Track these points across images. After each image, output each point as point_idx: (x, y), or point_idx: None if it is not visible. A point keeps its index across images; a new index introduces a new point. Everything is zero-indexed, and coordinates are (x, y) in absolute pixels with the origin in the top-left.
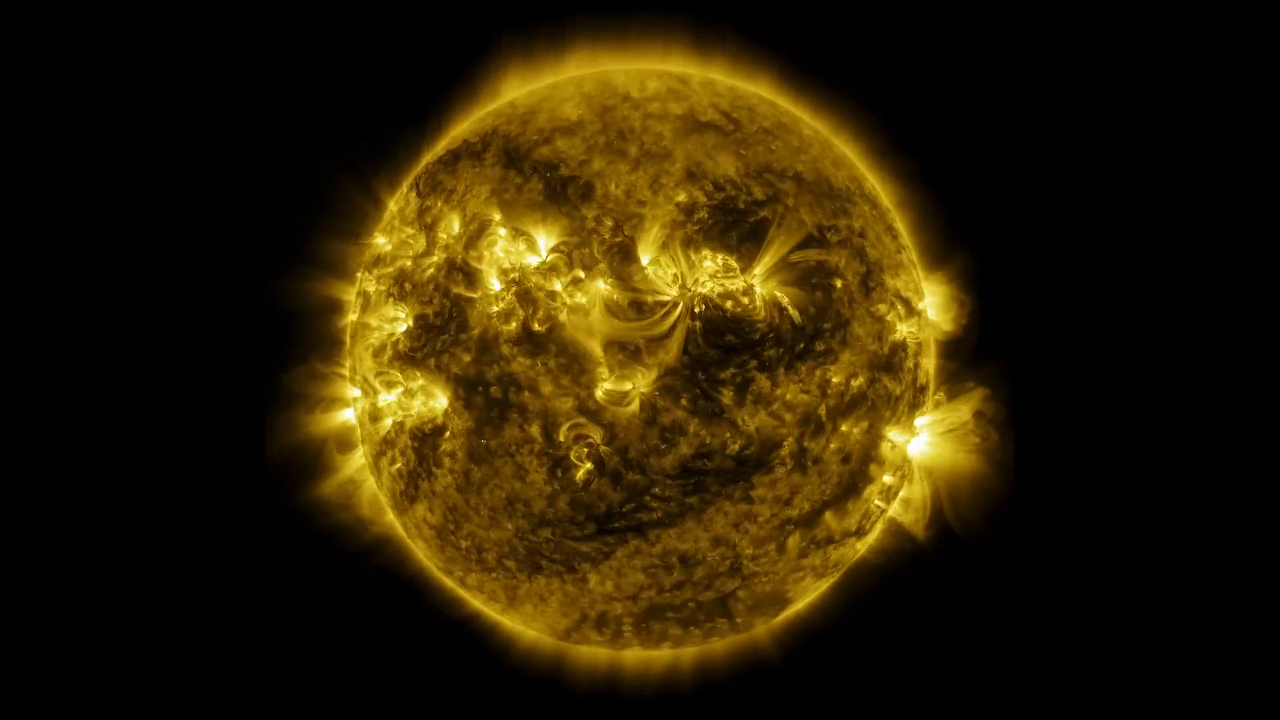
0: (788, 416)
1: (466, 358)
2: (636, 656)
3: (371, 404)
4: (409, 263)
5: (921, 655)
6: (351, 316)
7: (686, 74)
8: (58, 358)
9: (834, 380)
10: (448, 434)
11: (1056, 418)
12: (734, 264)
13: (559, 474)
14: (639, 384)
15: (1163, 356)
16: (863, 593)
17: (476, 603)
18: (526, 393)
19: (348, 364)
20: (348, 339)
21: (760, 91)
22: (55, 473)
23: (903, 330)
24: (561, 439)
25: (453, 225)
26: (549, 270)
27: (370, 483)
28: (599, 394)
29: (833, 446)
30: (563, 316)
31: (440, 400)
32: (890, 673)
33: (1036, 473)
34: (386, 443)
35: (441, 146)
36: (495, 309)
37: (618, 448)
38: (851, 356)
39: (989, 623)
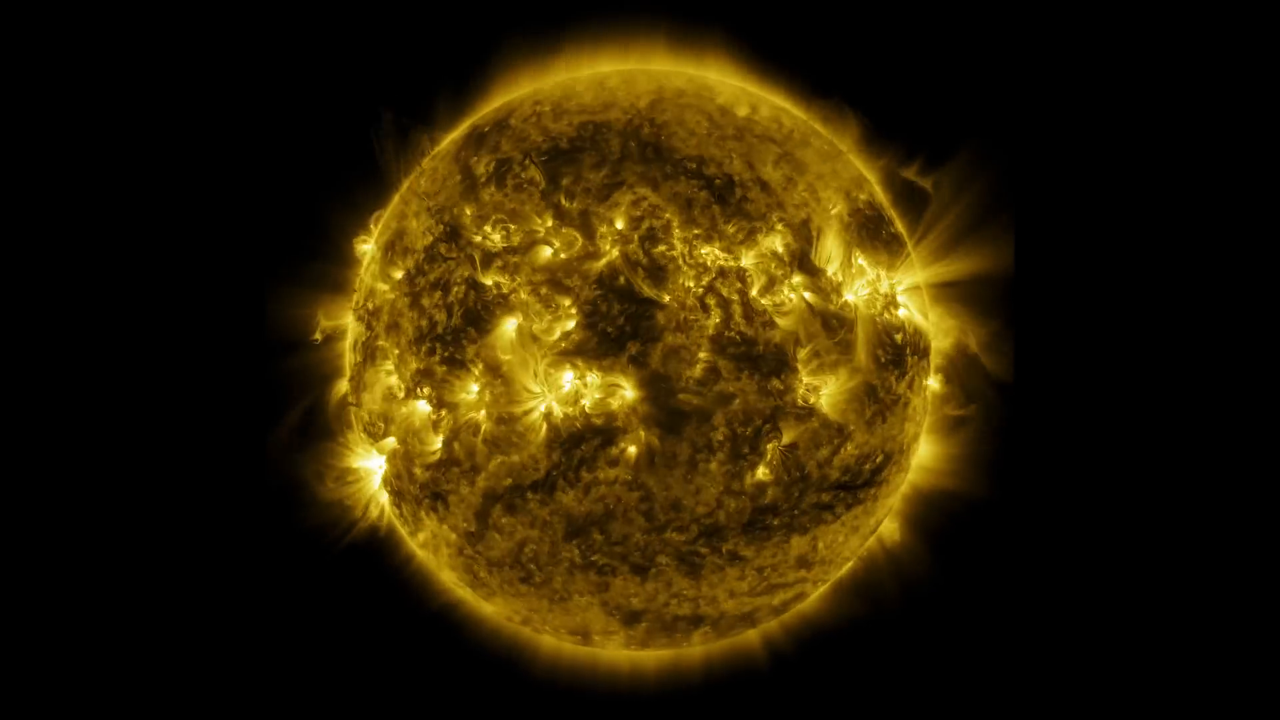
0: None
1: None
2: (636, 657)
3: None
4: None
5: (921, 654)
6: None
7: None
8: (59, 361)
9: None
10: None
11: (1055, 415)
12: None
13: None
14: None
15: (1160, 350)
16: (863, 592)
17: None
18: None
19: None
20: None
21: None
22: (56, 474)
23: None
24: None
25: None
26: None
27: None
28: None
29: None
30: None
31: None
32: (889, 673)
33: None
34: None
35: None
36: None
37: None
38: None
39: (988, 622)
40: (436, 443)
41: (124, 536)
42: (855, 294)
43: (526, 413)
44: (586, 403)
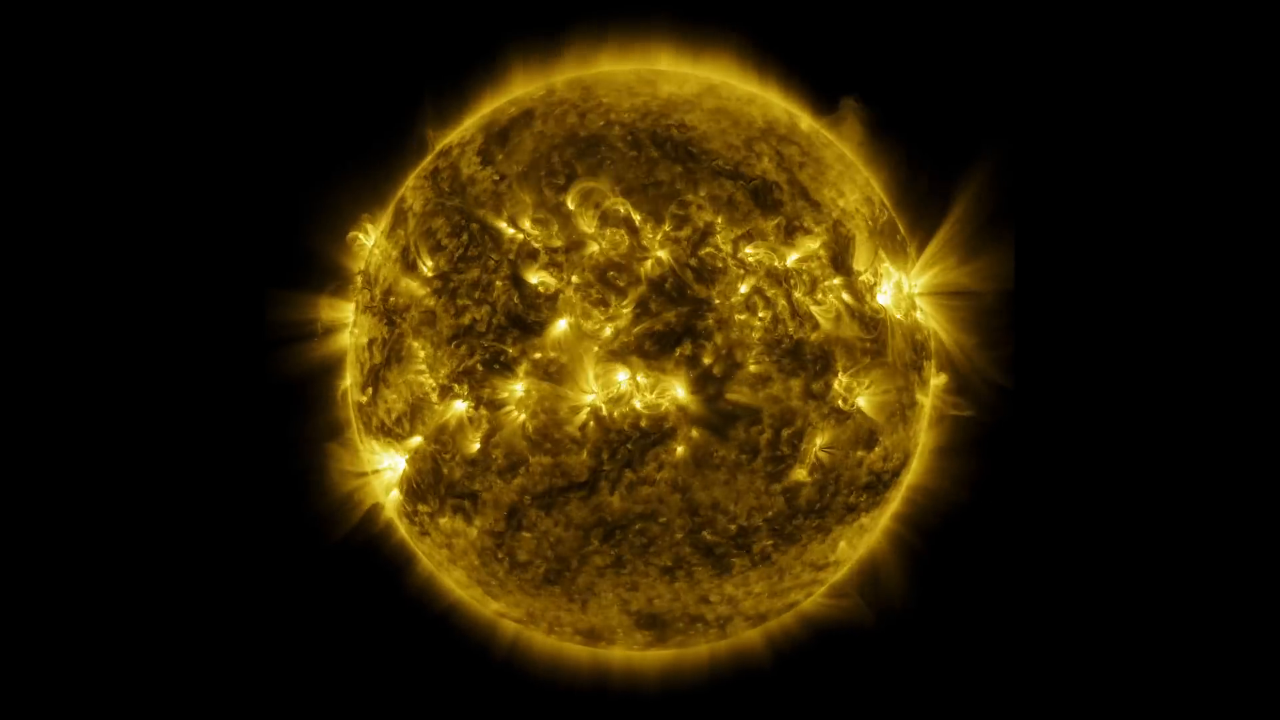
0: None
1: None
2: (636, 657)
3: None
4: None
5: (920, 652)
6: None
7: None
8: (57, 362)
9: None
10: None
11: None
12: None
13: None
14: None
15: (1160, 352)
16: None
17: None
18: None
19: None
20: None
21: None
22: (55, 474)
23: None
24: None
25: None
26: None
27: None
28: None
29: None
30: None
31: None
32: (888, 672)
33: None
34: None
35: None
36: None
37: None
38: None
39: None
40: (474, 442)
41: (124, 537)
42: (886, 295)
43: (574, 411)
44: (638, 403)
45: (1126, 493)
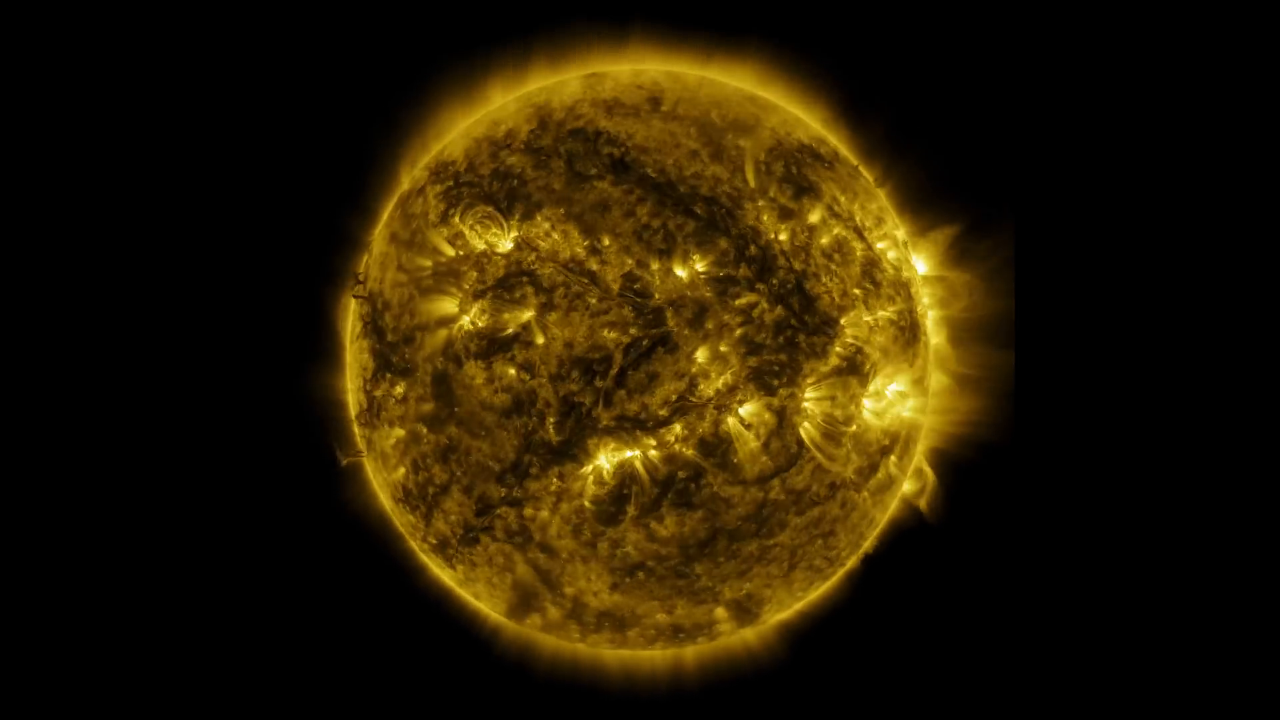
0: None
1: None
2: (636, 657)
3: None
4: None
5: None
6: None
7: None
8: (77, 367)
9: None
10: None
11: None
12: None
13: None
14: None
15: (1159, 355)
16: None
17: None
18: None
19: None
20: None
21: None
22: (58, 475)
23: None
24: None
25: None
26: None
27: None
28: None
29: None
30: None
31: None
32: (885, 671)
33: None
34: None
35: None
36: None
37: None
38: None
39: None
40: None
41: (133, 537)
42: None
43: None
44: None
45: (1125, 505)
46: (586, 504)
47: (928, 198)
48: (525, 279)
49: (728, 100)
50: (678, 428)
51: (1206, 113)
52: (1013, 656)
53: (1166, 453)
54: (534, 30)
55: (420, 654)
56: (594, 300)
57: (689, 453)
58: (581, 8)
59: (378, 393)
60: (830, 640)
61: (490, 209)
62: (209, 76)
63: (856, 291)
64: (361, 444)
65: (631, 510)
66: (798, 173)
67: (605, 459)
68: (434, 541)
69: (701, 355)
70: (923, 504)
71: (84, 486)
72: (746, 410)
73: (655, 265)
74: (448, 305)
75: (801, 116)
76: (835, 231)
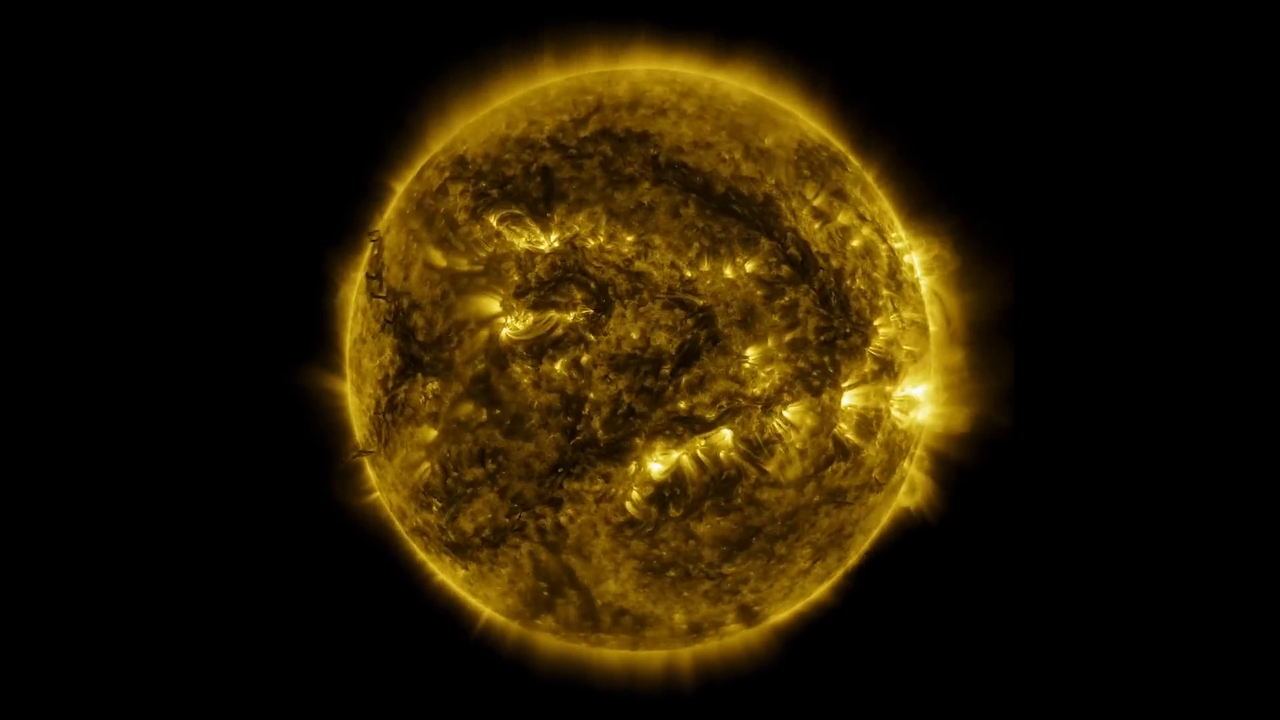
0: None
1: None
2: (636, 657)
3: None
4: None
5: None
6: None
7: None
8: (78, 365)
9: None
10: None
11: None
12: None
13: None
14: None
15: (1157, 357)
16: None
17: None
18: None
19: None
20: None
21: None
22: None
23: None
24: None
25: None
26: None
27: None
28: None
29: None
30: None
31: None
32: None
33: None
34: None
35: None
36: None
37: None
38: None
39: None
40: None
41: (134, 537)
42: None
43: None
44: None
45: (1125, 505)
46: (629, 505)
47: (926, 202)
48: (573, 278)
49: (744, 101)
50: (725, 429)
51: (1205, 115)
52: (1013, 656)
53: (1167, 453)
54: (540, 27)
55: (418, 654)
56: (646, 300)
57: (733, 454)
58: (586, 7)
59: (401, 391)
60: (830, 640)
61: (527, 208)
62: (207, 74)
63: (885, 293)
64: (372, 442)
65: (674, 511)
66: (825, 174)
67: (651, 460)
68: (453, 539)
69: (752, 356)
70: (918, 504)
71: (81, 485)
72: (790, 412)
73: (706, 266)
74: (489, 304)
75: (805, 118)
76: (864, 233)
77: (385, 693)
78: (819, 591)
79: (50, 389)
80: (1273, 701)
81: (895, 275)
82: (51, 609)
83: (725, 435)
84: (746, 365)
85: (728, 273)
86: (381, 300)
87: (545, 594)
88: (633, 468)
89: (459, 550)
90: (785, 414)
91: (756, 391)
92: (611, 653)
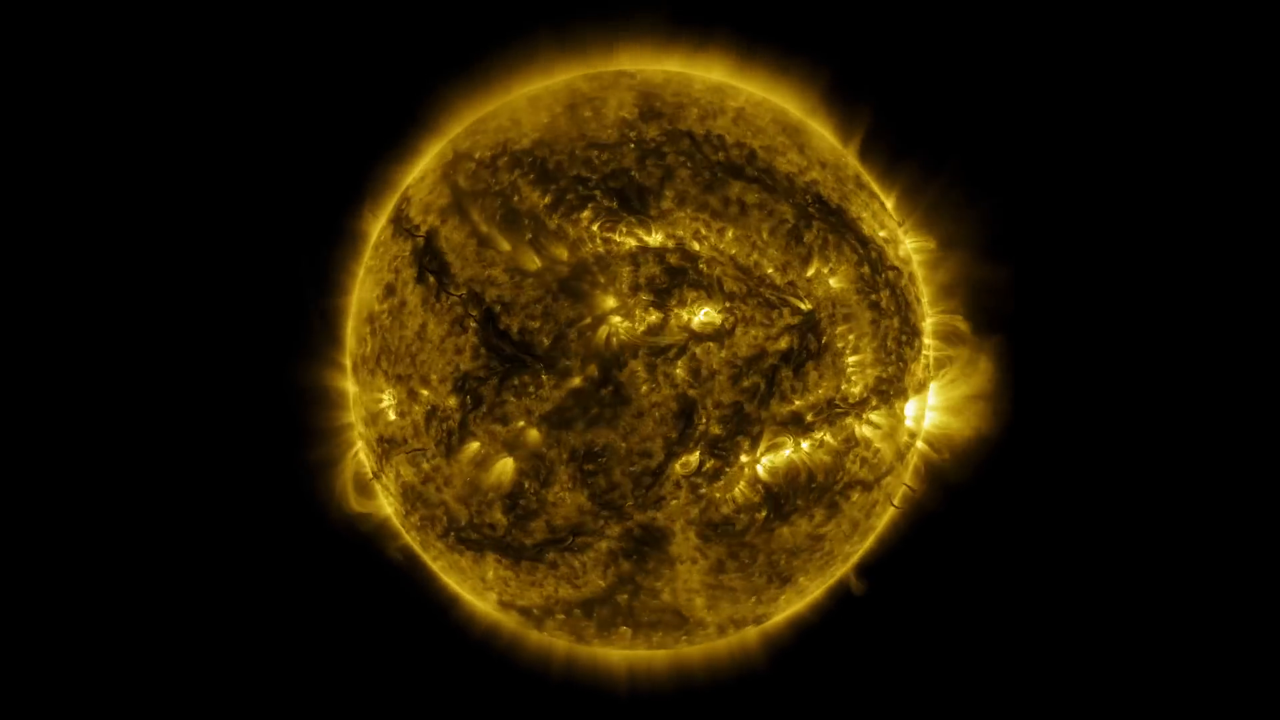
0: None
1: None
2: (635, 656)
3: None
4: None
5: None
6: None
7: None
8: (75, 364)
9: None
10: None
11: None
12: None
13: None
14: None
15: (1150, 337)
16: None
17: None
18: None
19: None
20: None
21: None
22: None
23: None
24: None
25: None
26: None
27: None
28: None
29: None
30: None
31: None
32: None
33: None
34: None
35: None
36: None
37: None
38: None
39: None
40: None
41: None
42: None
43: None
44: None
45: (1124, 505)
46: (726, 510)
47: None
48: (686, 278)
49: (772, 101)
50: (826, 431)
51: (1205, 116)
52: (1012, 657)
53: (1166, 454)
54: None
55: (416, 653)
56: (753, 300)
57: (828, 457)
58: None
59: (486, 389)
60: (830, 640)
61: (624, 206)
62: (207, 73)
63: (923, 299)
64: (427, 441)
65: (765, 513)
66: (863, 176)
67: (756, 462)
68: (526, 544)
69: (851, 360)
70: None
71: (80, 485)
72: (875, 415)
73: (811, 271)
74: (600, 303)
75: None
76: (901, 237)
77: (386, 693)
78: (821, 589)
79: (48, 387)
80: (1272, 701)
81: (918, 282)
82: (48, 609)
83: (824, 437)
84: (848, 370)
85: (833, 282)
86: (455, 298)
87: (611, 594)
88: (736, 469)
89: (518, 551)
90: (871, 418)
91: (854, 395)
92: (611, 652)
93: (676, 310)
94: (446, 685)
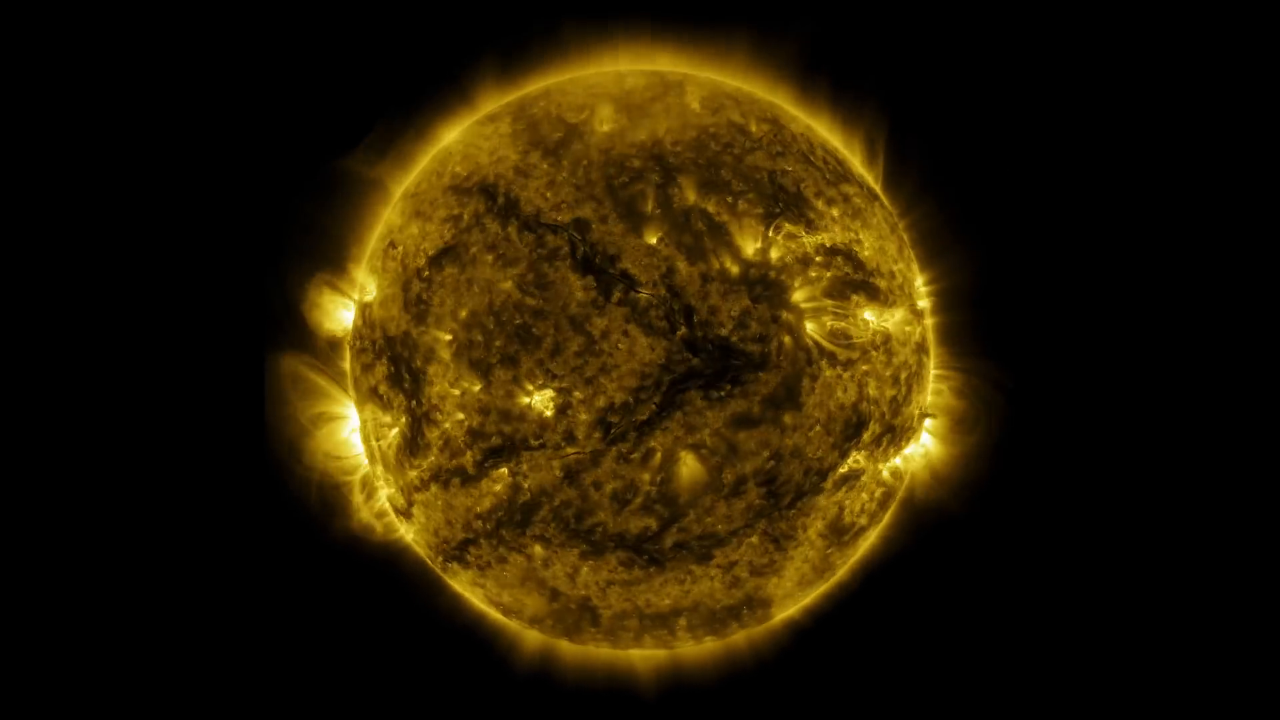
0: None
1: None
2: (635, 656)
3: None
4: None
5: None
6: None
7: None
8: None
9: None
10: None
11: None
12: None
13: None
14: None
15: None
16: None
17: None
18: None
19: None
20: None
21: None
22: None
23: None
24: None
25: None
26: None
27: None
28: None
29: None
30: None
31: None
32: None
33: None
34: None
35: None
36: None
37: None
38: None
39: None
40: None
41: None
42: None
43: None
44: None
45: (1125, 505)
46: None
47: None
48: (861, 288)
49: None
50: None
51: (1205, 116)
52: (1013, 656)
53: (1167, 453)
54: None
55: (414, 653)
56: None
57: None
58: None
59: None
60: (829, 639)
61: (793, 213)
62: (209, 71)
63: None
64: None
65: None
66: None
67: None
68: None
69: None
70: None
71: (79, 483)
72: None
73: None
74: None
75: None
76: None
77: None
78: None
79: (42, 383)
80: (1272, 701)
81: None
82: (46, 608)
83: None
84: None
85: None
86: (648, 299)
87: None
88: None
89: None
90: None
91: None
92: (611, 651)
93: (863, 321)
94: (446, 685)
